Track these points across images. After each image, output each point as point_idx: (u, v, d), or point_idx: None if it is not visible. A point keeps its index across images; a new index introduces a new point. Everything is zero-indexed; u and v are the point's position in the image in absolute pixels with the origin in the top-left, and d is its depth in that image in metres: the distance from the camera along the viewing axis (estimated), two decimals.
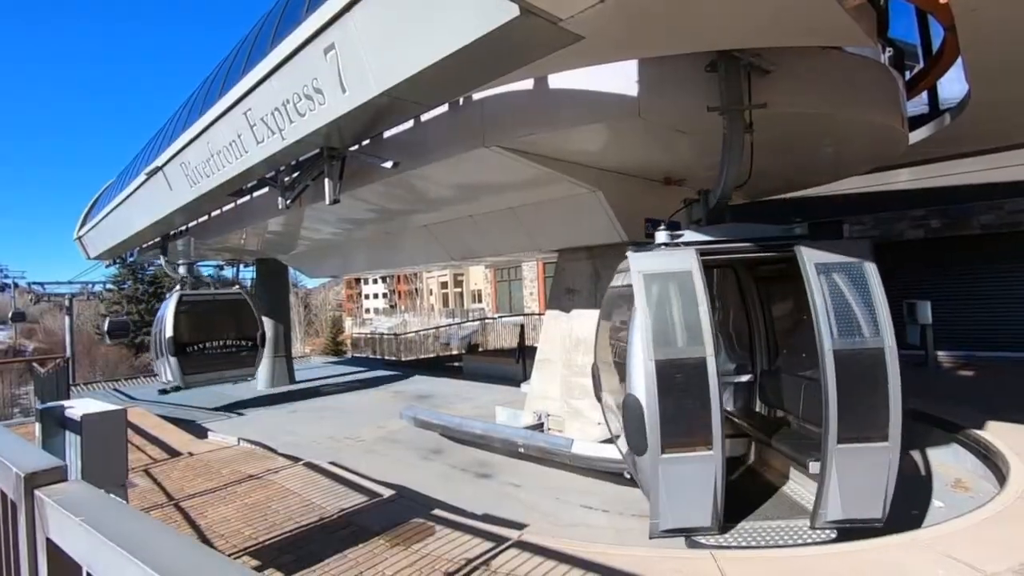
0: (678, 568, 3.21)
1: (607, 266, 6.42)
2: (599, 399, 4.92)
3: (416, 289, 39.70)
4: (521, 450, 6.02)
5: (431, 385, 12.28)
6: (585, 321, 6.59)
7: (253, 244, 12.11)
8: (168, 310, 9.68)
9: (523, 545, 3.60)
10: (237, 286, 11.66)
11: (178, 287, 10.48)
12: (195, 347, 9.86)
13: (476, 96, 4.73)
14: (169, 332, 9.48)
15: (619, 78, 4.10)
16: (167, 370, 9.81)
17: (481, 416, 7.92)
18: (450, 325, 25.00)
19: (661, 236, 3.88)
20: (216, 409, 10.89)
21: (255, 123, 5.31)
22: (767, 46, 3.79)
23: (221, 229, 10.11)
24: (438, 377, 13.54)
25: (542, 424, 6.90)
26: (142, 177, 8.11)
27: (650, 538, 3.63)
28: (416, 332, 23.82)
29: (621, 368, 3.95)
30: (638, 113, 4.12)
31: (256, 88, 5.07)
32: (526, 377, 9.41)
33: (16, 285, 26.89)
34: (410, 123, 5.27)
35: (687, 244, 3.81)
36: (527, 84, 4.47)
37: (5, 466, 0.85)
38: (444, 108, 4.97)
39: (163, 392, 11.30)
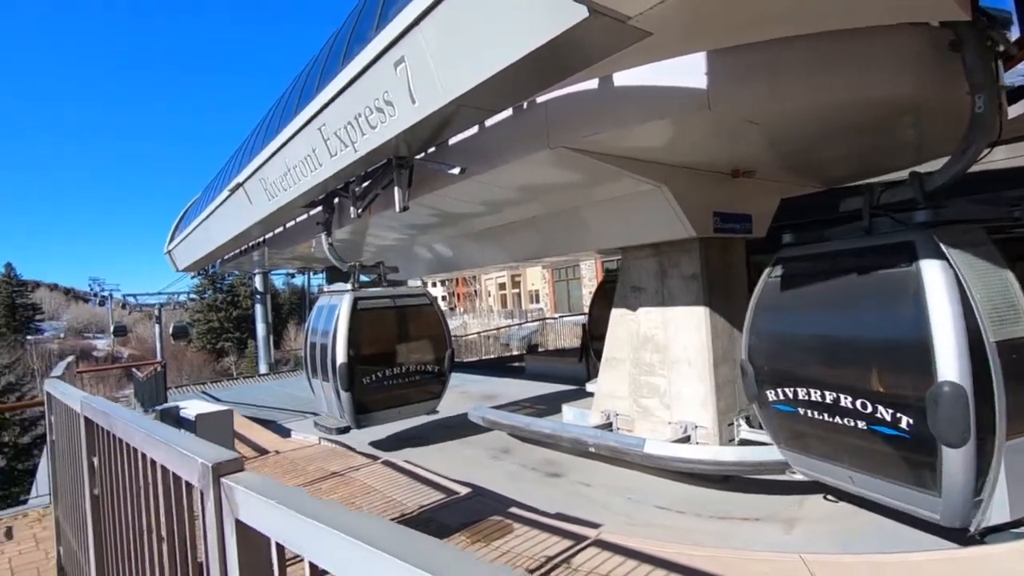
0: (767, 571, 3.12)
1: (674, 263, 6.31)
2: (753, 399, 4.62)
3: (475, 291, 40.25)
4: (591, 449, 6.01)
5: (494, 385, 12.42)
6: (652, 319, 6.50)
7: (322, 252, 12.68)
8: (340, 320, 6.55)
9: (602, 544, 3.61)
10: (420, 282, 7.84)
11: (349, 285, 7.07)
12: (372, 376, 6.84)
13: (540, 99, 4.77)
14: (342, 356, 6.43)
15: (687, 72, 4.02)
16: (334, 406, 6.85)
17: (547, 416, 7.96)
18: (510, 326, 25.20)
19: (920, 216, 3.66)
20: (293, 411, 11.46)
21: (329, 137, 5.59)
22: (848, 27, 3.62)
23: (294, 239, 10.66)
24: (501, 377, 13.69)
25: (611, 423, 6.85)
26: (225, 193, 8.68)
27: (976, 535, 3.35)
28: (477, 333, 24.13)
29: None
30: (707, 106, 4.02)
31: (329, 104, 5.33)
32: (590, 376, 9.36)
33: (112, 297, 29.52)
34: (475, 129, 5.37)
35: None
36: (591, 84, 4.47)
37: (191, 458, 0.96)
38: (508, 112, 5.04)
39: (325, 429, 7.15)
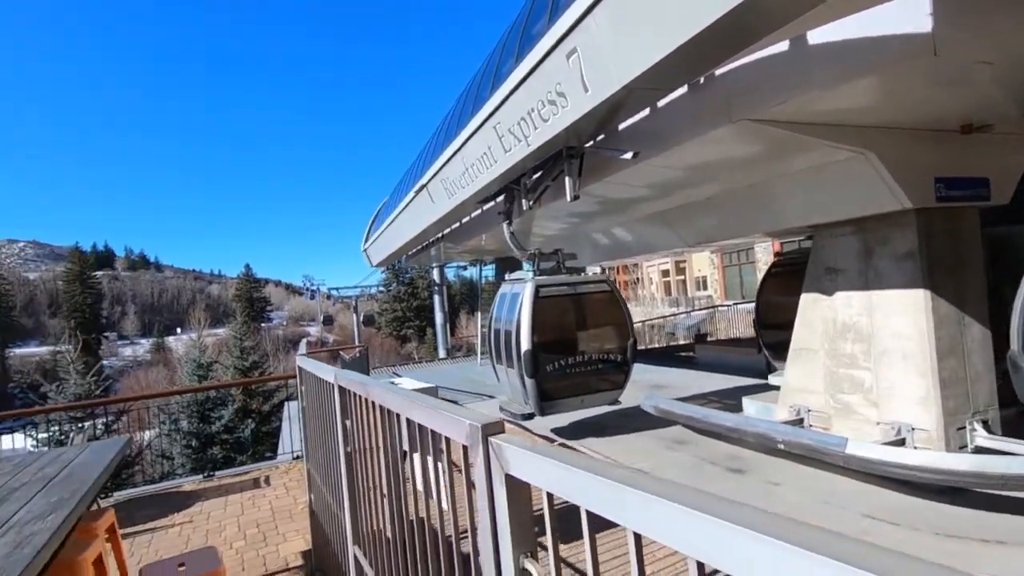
0: None
1: (882, 240, 5.49)
2: None
3: (636, 279, 39.34)
4: (780, 447, 5.55)
5: (663, 375, 12.07)
6: (853, 304, 5.75)
7: (492, 244, 13.46)
8: (524, 307, 6.59)
9: None
10: (600, 270, 7.61)
11: (529, 271, 7.01)
12: (556, 364, 6.80)
13: (719, 72, 4.49)
14: (526, 343, 6.47)
15: (904, 14, 3.46)
16: (519, 392, 6.90)
17: (721, 408, 7.51)
18: (676, 314, 24.19)
19: None
20: (471, 392, 12.35)
21: (503, 135, 5.91)
22: None
23: (468, 233, 11.47)
24: (669, 367, 13.24)
25: (801, 420, 6.24)
26: (411, 194, 9.67)
27: None
28: (640, 322, 23.60)
29: None
30: (933, 51, 3.42)
31: (503, 103, 5.62)
32: (770, 368, 8.60)
33: (319, 291, 34.93)
34: (646, 111, 5.25)
35: None
36: (779, 47, 4.07)
37: (459, 421, 1.12)
38: (682, 91, 4.83)
39: (509, 414, 7.21)
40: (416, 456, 1.80)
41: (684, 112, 4.89)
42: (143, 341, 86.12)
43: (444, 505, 1.62)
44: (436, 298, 24.74)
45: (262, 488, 6.48)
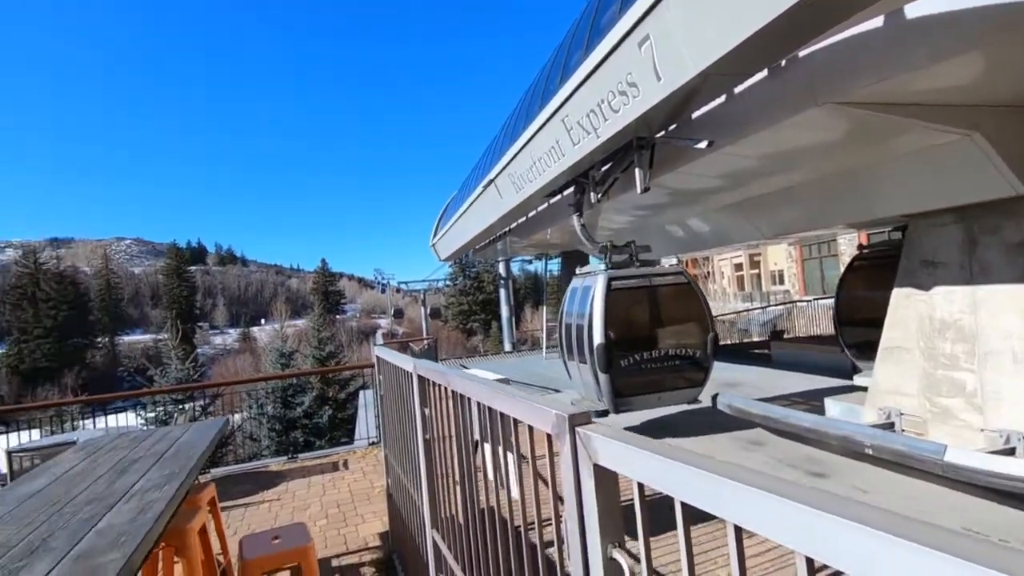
0: None
1: (990, 229, 5.01)
2: None
3: (707, 273, 37.96)
4: (868, 451, 5.20)
5: (737, 373, 11.60)
6: (955, 300, 5.29)
7: (557, 238, 13.41)
8: (596, 300, 6.36)
9: None
10: (676, 261, 7.01)
11: (602, 264, 6.78)
12: (630, 359, 6.50)
13: (802, 52, 4.24)
14: (599, 336, 6.25)
15: None
16: (591, 388, 6.64)
17: (800, 409, 7.12)
18: (749, 310, 23.17)
19: None
20: (538, 386, 12.41)
21: (571, 127, 5.87)
22: None
23: (533, 227, 11.50)
24: (742, 364, 12.71)
25: (892, 424, 5.82)
26: (479, 189, 9.81)
27: None
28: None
29: None
30: None
31: (573, 95, 5.58)
32: (855, 369, 8.06)
33: (389, 285, 36.28)
34: (721, 98, 5.05)
35: None
36: (872, 23, 3.79)
37: (545, 411, 1.15)
38: (762, 75, 4.60)
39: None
40: (487, 446, 1.85)
41: (764, 97, 4.66)
42: (231, 331, 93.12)
43: (515, 495, 1.66)
44: (502, 292, 25.00)
45: (340, 471, 6.84)
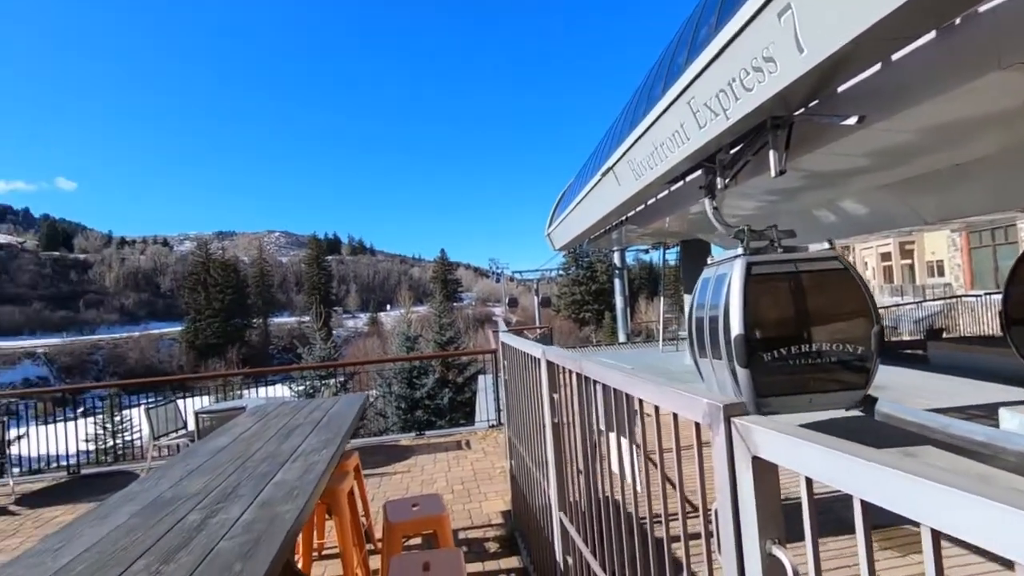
0: None
1: None
2: None
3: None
4: None
5: (885, 375, 10.36)
6: None
7: (675, 226, 12.85)
8: (733, 288, 5.70)
9: None
10: (828, 245, 6.16)
11: (740, 249, 6.03)
12: (774, 354, 5.75)
13: (982, 8, 3.66)
14: (737, 327, 5.60)
15: None
16: (727, 386, 6.04)
17: (963, 419, 6.20)
18: (899, 305, 20.58)
19: None
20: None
21: (698, 109, 5.59)
22: None
23: (652, 215, 11.13)
24: (892, 366, 11.36)
25: None
26: (597, 176, 9.71)
27: None
28: None
29: None
30: None
31: (700, 76, 5.31)
32: None
33: (503, 274, 37.20)
34: (876, 67, 4.51)
35: None
36: None
37: (697, 400, 1.14)
38: (927, 38, 4.04)
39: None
40: (612, 435, 1.86)
41: (931, 62, 4.08)
42: (361, 315, 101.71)
43: (638, 487, 1.66)
44: (616, 282, 24.61)
45: (463, 450, 7.22)
